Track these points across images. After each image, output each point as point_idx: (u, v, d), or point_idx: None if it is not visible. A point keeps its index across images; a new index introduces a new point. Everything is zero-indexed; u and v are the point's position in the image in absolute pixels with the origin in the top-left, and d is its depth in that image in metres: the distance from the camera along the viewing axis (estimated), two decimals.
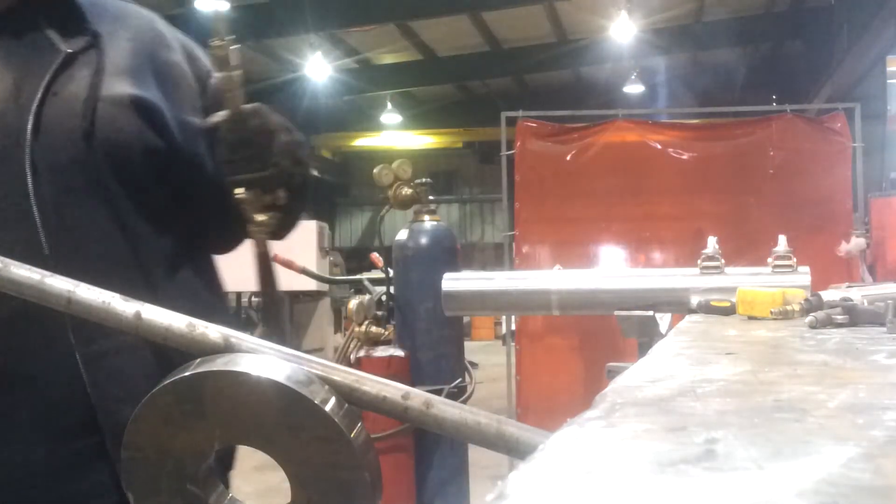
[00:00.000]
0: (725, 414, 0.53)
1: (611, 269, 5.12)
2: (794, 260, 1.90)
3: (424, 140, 19.94)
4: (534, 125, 5.60)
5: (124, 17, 1.29)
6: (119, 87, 1.19)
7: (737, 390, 0.63)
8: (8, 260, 0.91)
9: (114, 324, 0.89)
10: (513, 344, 5.48)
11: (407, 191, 3.46)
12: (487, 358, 10.22)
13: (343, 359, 3.60)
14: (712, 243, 1.98)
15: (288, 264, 4.43)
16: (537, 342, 5.45)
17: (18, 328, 1.08)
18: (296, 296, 10.61)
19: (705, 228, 3.96)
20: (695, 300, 1.86)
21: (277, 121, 1.20)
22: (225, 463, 1.15)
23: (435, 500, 3.38)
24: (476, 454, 3.25)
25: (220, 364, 0.83)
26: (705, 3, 13.79)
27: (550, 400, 5.15)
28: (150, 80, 1.23)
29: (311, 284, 8.87)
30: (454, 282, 2.24)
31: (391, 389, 0.83)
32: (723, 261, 1.95)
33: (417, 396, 0.81)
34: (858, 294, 1.37)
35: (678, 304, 1.94)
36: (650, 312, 1.96)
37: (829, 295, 1.35)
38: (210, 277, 1.34)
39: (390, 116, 18.87)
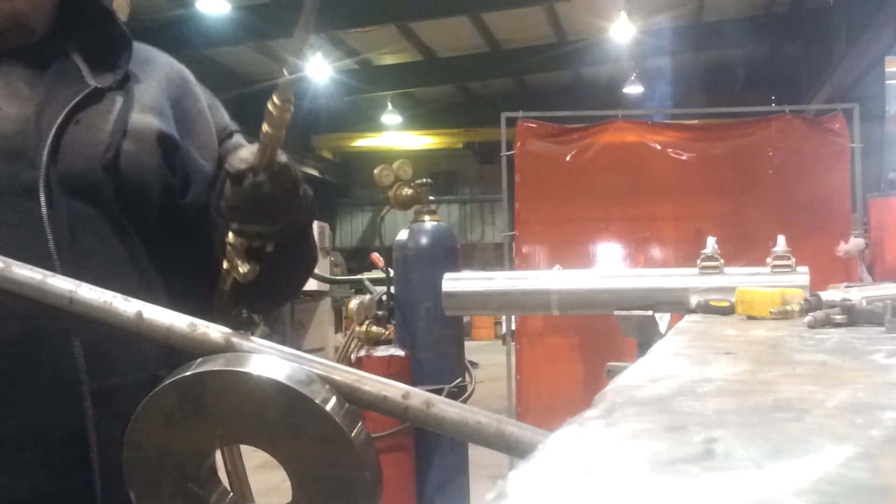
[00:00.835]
0: (724, 413, 0.53)
1: (610, 269, 5.12)
2: (793, 260, 1.91)
3: (425, 140, 19.94)
4: (534, 125, 5.60)
5: (155, 61, 1.30)
6: (145, 121, 1.19)
7: (736, 390, 0.63)
8: (10, 260, 0.91)
9: (115, 323, 0.89)
10: (513, 344, 5.47)
11: (407, 191, 3.46)
12: (487, 358, 10.22)
13: (344, 358, 3.60)
14: (711, 243, 1.98)
15: None
16: (537, 342, 5.45)
17: (23, 352, 1.04)
18: (297, 296, 10.61)
19: (704, 228, 3.96)
20: (694, 300, 1.86)
21: (300, 176, 1.13)
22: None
23: (435, 499, 3.38)
24: (476, 453, 3.26)
25: (221, 364, 0.83)
26: (705, 4, 13.78)
27: (550, 399, 5.15)
28: (173, 123, 1.23)
29: (312, 284, 8.88)
30: (454, 282, 2.25)
31: (392, 389, 0.83)
32: (722, 261, 1.95)
33: (418, 396, 0.82)
34: (857, 294, 1.37)
35: (677, 304, 1.94)
36: (650, 312, 1.96)
37: (828, 295, 1.36)
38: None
39: (391, 117, 18.87)
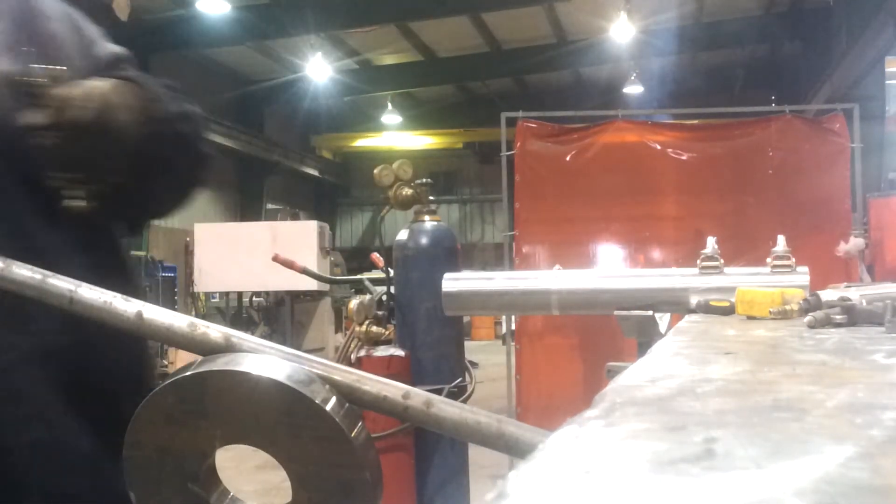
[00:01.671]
0: (724, 413, 0.53)
1: (610, 269, 5.13)
2: (793, 260, 1.91)
3: (425, 140, 19.96)
4: (534, 125, 5.60)
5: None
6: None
7: (736, 390, 0.63)
8: (10, 260, 0.91)
9: (116, 323, 0.89)
10: (513, 344, 5.48)
11: (407, 191, 3.46)
12: (487, 358, 10.22)
13: (344, 358, 3.60)
14: (711, 243, 1.98)
15: (289, 264, 4.43)
16: (537, 342, 5.45)
17: None
18: (297, 296, 10.62)
19: (704, 228, 3.96)
20: (694, 300, 1.86)
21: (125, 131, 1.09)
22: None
23: (435, 499, 3.38)
24: (476, 454, 3.25)
25: (221, 364, 0.83)
26: (705, 4, 13.79)
27: (550, 399, 5.16)
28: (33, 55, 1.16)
29: (311, 284, 8.88)
30: (454, 282, 2.25)
31: (392, 389, 0.83)
32: (722, 261, 1.95)
33: (418, 396, 0.82)
34: (857, 294, 1.37)
35: (677, 304, 1.94)
36: (650, 312, 1.96)
37: (828, 295, 1.35)
38: (110, 260, 1.25)
39: (391, 117, 18.88)
